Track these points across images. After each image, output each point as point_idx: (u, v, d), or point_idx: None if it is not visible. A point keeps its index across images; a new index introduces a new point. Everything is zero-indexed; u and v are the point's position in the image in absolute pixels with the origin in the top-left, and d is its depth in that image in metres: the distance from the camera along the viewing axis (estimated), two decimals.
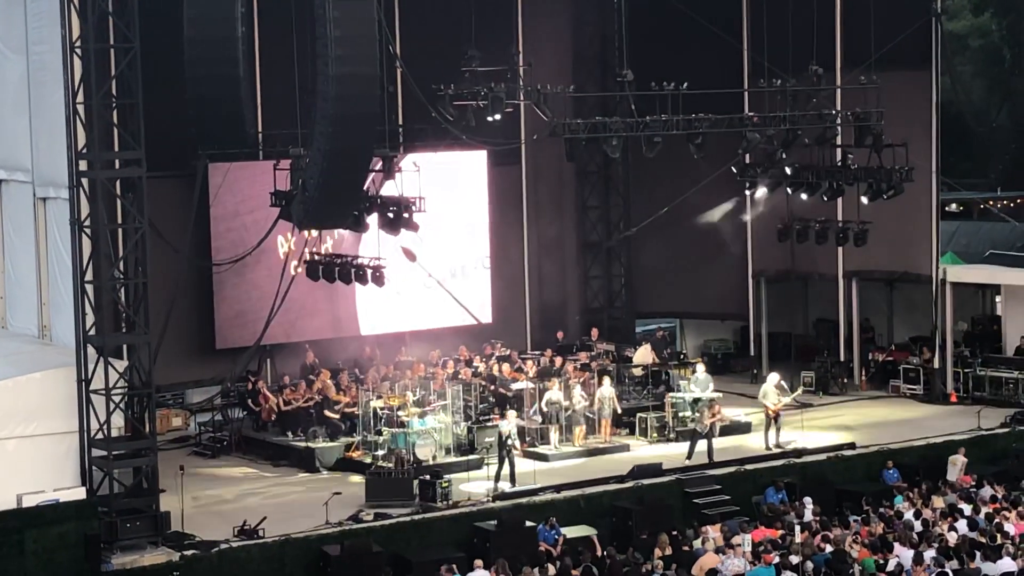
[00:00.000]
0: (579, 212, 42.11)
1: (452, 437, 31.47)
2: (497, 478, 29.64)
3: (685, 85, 31.20)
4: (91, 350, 26.46)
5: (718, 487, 29.95)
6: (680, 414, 33.31)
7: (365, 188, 28.85)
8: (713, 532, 26.79)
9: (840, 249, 37.86)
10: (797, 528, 26.69)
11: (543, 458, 31.59)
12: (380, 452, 30.58)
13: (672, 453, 31.99)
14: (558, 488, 29.09)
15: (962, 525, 26.47)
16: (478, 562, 25.45)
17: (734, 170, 36.91)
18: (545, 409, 32.07)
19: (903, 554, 24.74)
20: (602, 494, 29.16)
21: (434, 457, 30.69)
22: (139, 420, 26.79)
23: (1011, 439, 33.30)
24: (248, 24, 31.27)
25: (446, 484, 28.60)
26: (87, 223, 26.54)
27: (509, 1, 39.08)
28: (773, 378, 33.20)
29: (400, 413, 31.06)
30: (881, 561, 24.68)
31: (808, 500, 28.70)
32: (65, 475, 26.40)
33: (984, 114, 52.73)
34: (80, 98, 26.46)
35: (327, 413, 32.32)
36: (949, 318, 37.55)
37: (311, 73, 27.27)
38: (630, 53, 32.07)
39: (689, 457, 31.35)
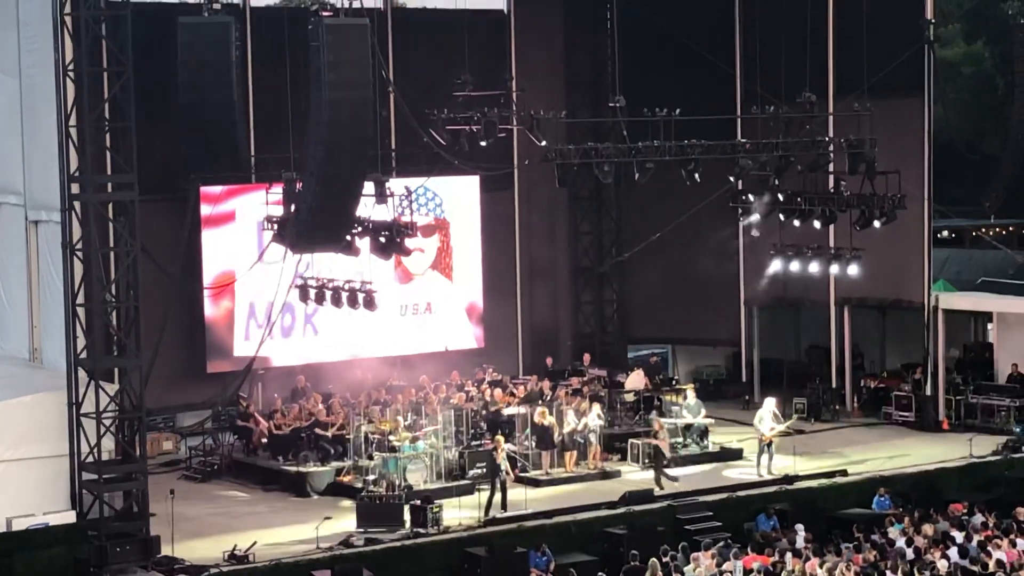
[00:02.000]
0: (571, 237, 42.07)
1: (443, 462, 31.42)
2: (488, 504, 29.56)
3: (677, 111, 31.14)
4: (82, 373, 26.45)
5: (710, 513, 29.89)
6: (671, 440, 33.25)
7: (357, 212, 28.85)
8: (704, 558, 26.70)
9: (832, 276, 37.85)
10: (789, 555, 26.59)
11: (534, 483, 31.53)
12: (371, 477, 30.50)
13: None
14: (549, 514, 29.04)
15: (954, 553, 26.40)
16: None
17: (727, 196, 36.91)
18: (533, 434, 32.00)
19: None
20: (593, 520, 29.10)
21: (425, 482, 30.64)
22: (129, 444, 26.77)
23: (1003, 467, 33.26)
24: (241, 48, 31.29)
25: (437, 509, 28.53)
26: (79, 246, 26.52)
27: (502, 26, 39.11)
28: (770, 403, 33.12)
29: (391, 438, 31.00)
30: None
31: (800, 527, 28.62)
32: (55, 498, 26.36)
33: (976, 142, 52.83)
34: (73, 121, 26.49)
35: (319, 431, 32.20)
36: (941, 345, 37.55)
37: (304, 97, 27.29)
38: (623, 79, 32.13)
39: (675, 480, 31.22)
